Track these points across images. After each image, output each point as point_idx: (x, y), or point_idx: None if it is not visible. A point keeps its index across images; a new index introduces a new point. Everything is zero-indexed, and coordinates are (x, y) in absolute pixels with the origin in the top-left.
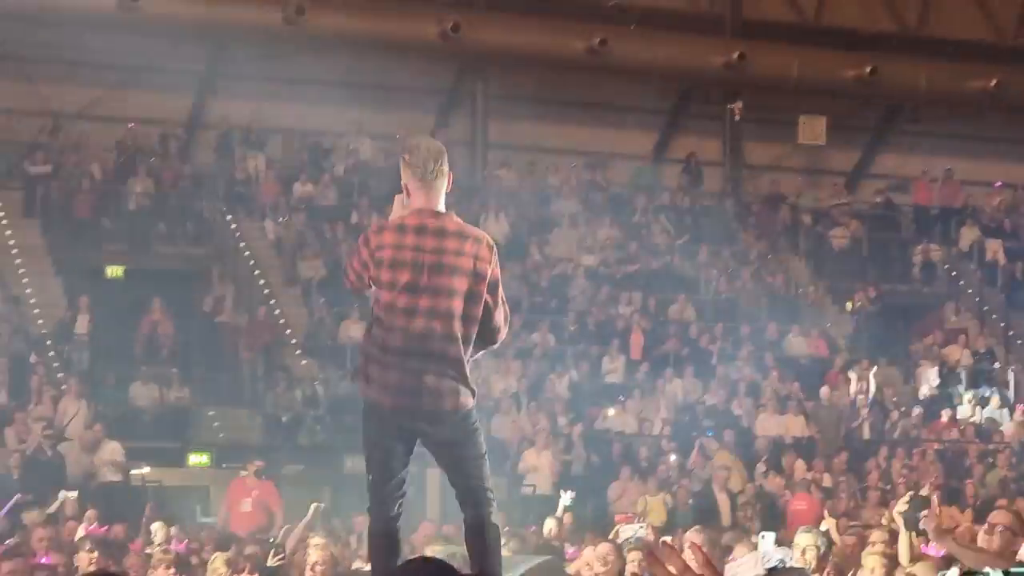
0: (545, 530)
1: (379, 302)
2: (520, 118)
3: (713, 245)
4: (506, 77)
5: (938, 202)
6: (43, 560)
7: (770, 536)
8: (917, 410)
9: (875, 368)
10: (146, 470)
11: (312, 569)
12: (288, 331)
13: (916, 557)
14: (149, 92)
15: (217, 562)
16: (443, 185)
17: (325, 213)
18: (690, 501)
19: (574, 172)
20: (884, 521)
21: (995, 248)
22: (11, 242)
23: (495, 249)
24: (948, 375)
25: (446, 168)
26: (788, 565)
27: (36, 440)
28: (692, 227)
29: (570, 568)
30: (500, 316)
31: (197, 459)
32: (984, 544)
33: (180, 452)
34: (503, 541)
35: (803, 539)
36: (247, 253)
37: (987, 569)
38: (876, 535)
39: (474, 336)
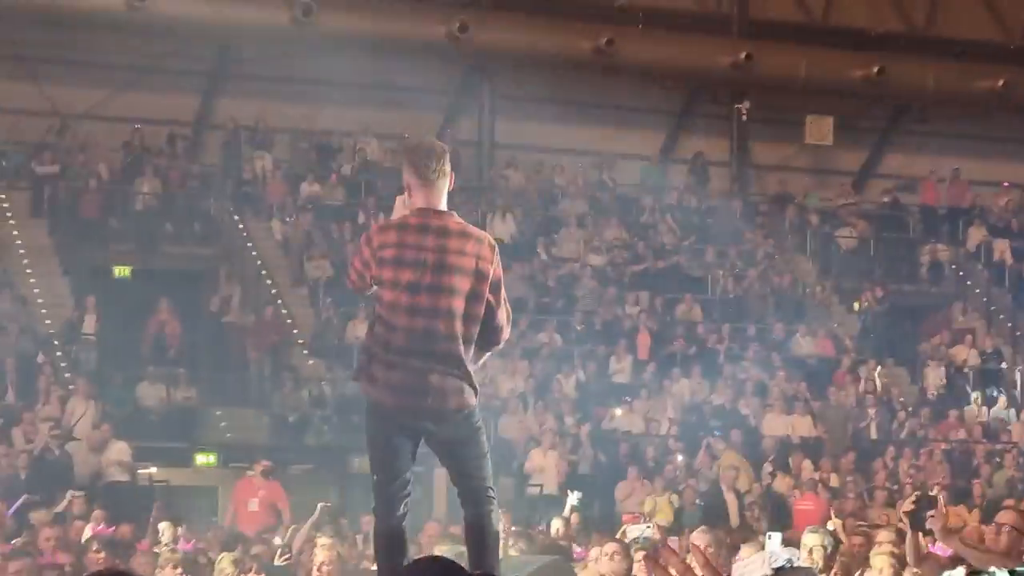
0: (552, 530)
1: (381, 301)
2: (527, 118)
3: (720, 245)
4: (513, 77)
5: (946, 202)
6: (51, 560)
7: (777, 536)
8: (924, 410)
9: (878, 368)
10: (153, 470)
11: (319, 569)
12: (295, 331)
13: (923, 557)
14: (156, 92)
15: (224, 562)
16: (445, 185)
17: (332, 213)
18: (697, 501)
19: (581, 172)
20: (891, 520)
21: (1002, 248)
22: (18, 242)
23: (496, 249)
24: (955, 375)
25: (448, 168)
26: (795, 565)
27: (43, 440)
28: (699, 227)
29: (577, 568)
30: (502, 316)
31: (204, 459)
32: (991, 544)
33: (187, 452)
34: (511, 542)
35: (810, 539)
36: (254, 253)
37: (993, 569)
38: (883, 535)
39: (476, 336)
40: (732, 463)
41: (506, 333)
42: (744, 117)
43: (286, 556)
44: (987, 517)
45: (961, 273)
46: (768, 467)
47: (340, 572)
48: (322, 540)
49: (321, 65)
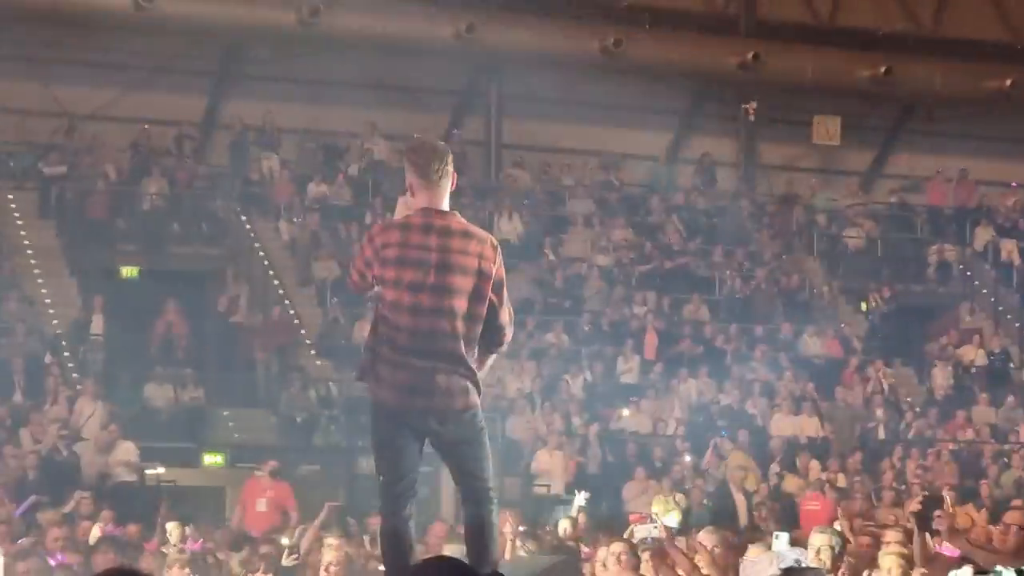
0: (560, 530)
1: (384, 301)
2: (534, 118)
3: (727, 245)
4: (520, 77)
5: (953, 202)
6: (58, 560)
7: (784, 536)
8: (932, 410)
9: (882, 368)
10: (161, 470)
11: (326, 569)
12: (302, 331)
13: (931, 557)
14: (164, 93)
15: (232, 562)
16: (448, 185)
17: (339, 213)
18: (705, 501)
19: (588, 172)
20: (898, 521)
21: (1010, 248)
22: (26, 242)
23: (499, 249)
24: (963, 375)
25: (450, 168)
26: (803, 565)
27: (51, 441)
28: (706, 227)
29: (585, 568)
30: (505, 316)
31: (212, 459)
32: (999, 544)
33: (195, 452)
34: (519, 542)
35: (818, 539)
36: (261, 253)
37: (1000, 568)
38: (891, 535)
39: (479, 335)
40: (740, 463)
41: (509, 334)
42: (751, 117)
43: (294, 556)
44: (994, 517)
45: (968, 273)
46: (775, 467)
47: (348, 572)
48: (330, 540)
49: (328, 65)
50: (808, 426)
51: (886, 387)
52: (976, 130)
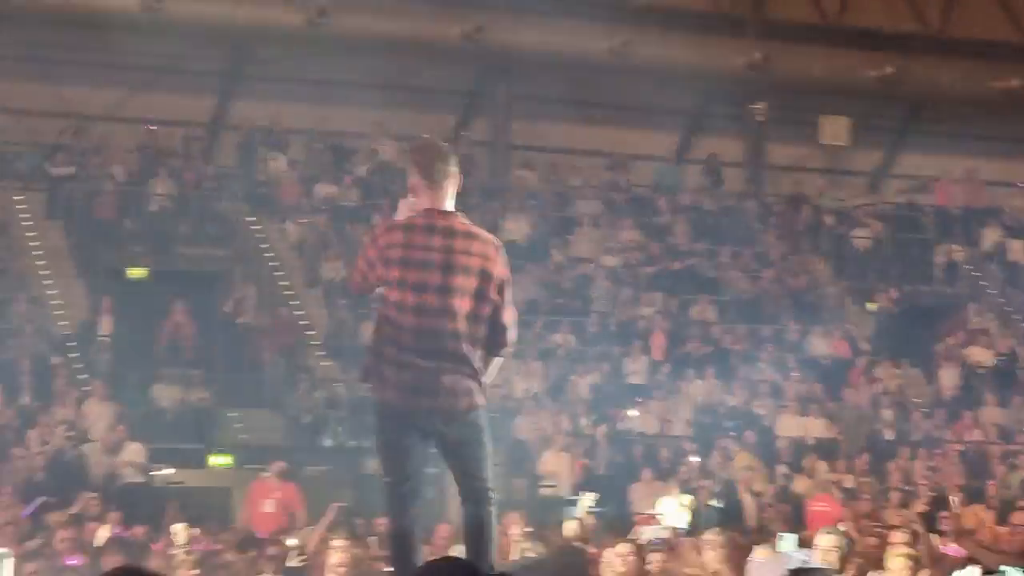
0: (566, 531)
1: (387, 301)
2: (542, 119)
3: (735, 246)
4: (528, 78)
5: (961, 202)
6: (66, 561)
7: (790, 537)
8: (939, 411)
9: (893, 369)
10: (168, 471)
11: (334, 570)
12: (310, 332)
13: (937, 558)
14: (171, 93)
15: (239, 563)
16: (451, 186)
17: (347, 214)
18: (712, 502)
19: (596, 173)
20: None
21: (1018, 249)
22: (34, 243)
23: (502, 250)
24: (970, 376)
25: (454, 169)
26: (810, 566)
27: (59, 442)
28: (714, 228)
29: (591, 569)
30: (508, 317)
31: (219, 460)
32: (1006, 544)
33: (202, 453)
34: (525, 543)
35: (825, 540)
36: (269, 254)
37: (1006, 568)
38: (898, 536)
39: (483, 336)
40: (746, 464)
41: (513, 335)
42: (759, 117)
43: (301, 557)
44: (1002, 518)
45: (976, 274)
46: (782, 468)
47: (355, 573)
48: (337, 541)
49: (336, 66)
50: (815, 427)
51: (893, 388)
52: (984, 130)
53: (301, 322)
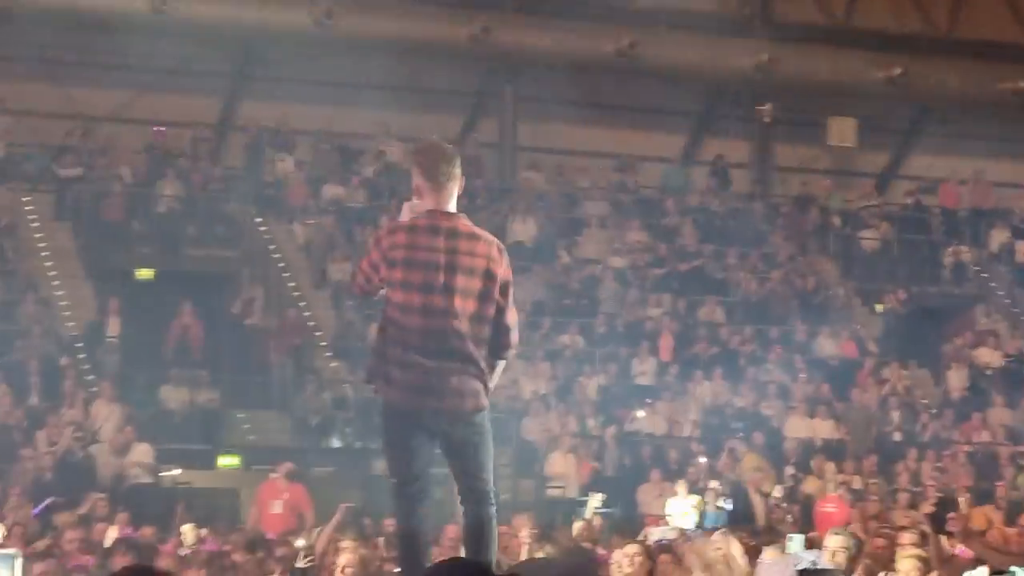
0: (575, 532)
1: (392, 303)
2: (549, 120)
3: (742, 247)
4: (535, 79)
5: (968, 203)
6: (75, 562)
7: (799, 538)
8: (948, 412)
9: (897, 370)
10: (176, 472)
11: (342, 571)
12: (317, 333)
13: (946, 559)
14: (179, 95)
15: (248, 564)
16: (455, 188)
17: (354, 215)
18: (721, 503)
19: (603, 174)
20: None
21: None
22: (42, 245)
23: (505, 252)
24: (978, 377)
25: (458, 171)
26: (819, 567)
27: (67, 442)
28: (721, 229)
29: (600, 570)
30: (511, 318)
31: (227, 461)
32: (1015, 545)
33: (210, 454)
34: (534, 544)
35: (833, 541)
36: (277, 255)
37: (1014, 568)
38: (907, 537)
39: (488, 337)
40: (754, 465)
41: (516, 336)
42: (766, 119)
43: (309, 558)
44: (1010, 519)
45: (984, 275)
46: (790, 469)
47: (363, 574)
48: (345, 542)
49: (343, 67)
50: (823, 428)
51: (901, 389)
52: (991, 131)
53: (309, 323)
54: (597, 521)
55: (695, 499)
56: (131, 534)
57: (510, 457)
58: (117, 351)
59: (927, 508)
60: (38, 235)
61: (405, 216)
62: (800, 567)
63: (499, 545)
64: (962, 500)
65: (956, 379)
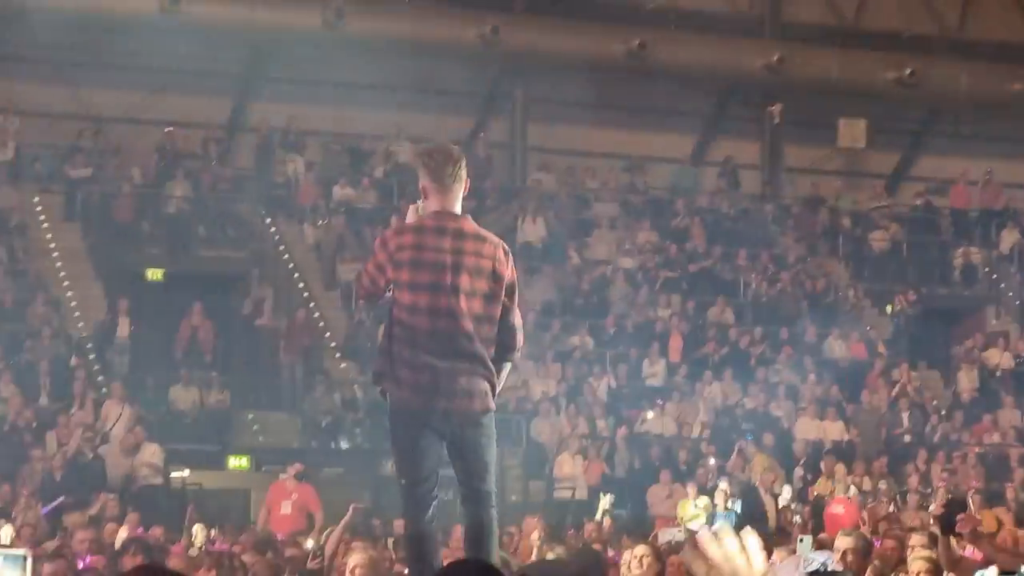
0: (584, 533)
1: (399, 304)
2: (559, 121)
3: (752, 248)
4: (545, 80)
5: (978, 204)
6: (84, 562)
7: (808, 539)
8: (957, 413)
9: (907, 371)
10: (186, 473)
11: (351, 572)
12: (327, 334)
13: (956, 560)
14: (189, 95)
15: (257, 565)
16: (460, 189)
17: (364, 216)
18: (731, 505)
19: (613, 175)
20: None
21: None
22: (52, 245)
23: (510, 253)
24: (988, 378)
25: (464, 173)
26: (829, 569)
27: (77, 443)
28: (731, 230)
29: (610, 571)
30: (516, 319)
31: (237, 462)
32: None
33: (220, 455)
34: (544, 546)
35: (843, 542)
36: (286, 256)
37: None
38: (916, 539)
39: (494, 337)
40: (764, 466)
41: (521, 337)
42: (776, 120)
43: (318, 559)
44: (1020, 521)
45: (994, 276)
46: (799, 471)
47: (373, 575)
48: (355, 543)
49: (353, 68)
50: (833, 429)
51: (911, 390)
52: (1002, 132)
53: (318, 324)
54: (607, 521)
55: (704, 500)
56: (141, 535)
57: (520, 458)
58: (127, 352)
59: (937, 509)
60: (48, 235)
61: (410, 218)
62: (810, 568)
63: (509, 547)
64: (972, 501)
65: (966, 380)
